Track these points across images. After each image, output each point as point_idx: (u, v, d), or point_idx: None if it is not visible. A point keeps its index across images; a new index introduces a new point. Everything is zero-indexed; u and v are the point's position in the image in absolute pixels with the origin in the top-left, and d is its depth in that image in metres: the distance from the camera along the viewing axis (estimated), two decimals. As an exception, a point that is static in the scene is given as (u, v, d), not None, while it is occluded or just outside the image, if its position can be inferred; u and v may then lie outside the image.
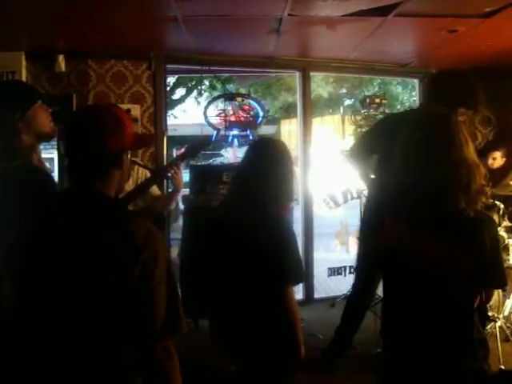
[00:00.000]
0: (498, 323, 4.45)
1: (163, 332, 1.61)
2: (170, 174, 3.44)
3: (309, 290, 6.22)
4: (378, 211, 2.29)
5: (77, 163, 1.72)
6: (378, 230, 2.18)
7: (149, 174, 3.78)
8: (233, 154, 9.24)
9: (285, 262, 2.41)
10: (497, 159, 5.31)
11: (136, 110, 5.49)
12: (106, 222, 1.62)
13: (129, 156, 1.82)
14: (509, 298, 4.77)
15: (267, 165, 2.56)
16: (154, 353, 1.60)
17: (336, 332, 4.40)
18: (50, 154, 6.32)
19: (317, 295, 6.33)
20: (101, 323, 1.57)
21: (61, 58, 5.19)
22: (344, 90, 14.44)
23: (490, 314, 4.35)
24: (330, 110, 14.63)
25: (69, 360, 1.59)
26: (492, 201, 4.79)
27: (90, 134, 1.68)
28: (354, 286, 4.49)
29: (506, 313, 4.75)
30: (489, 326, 4.35)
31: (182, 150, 5.03)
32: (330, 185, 4.52)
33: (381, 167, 3.84)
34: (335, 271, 6.48)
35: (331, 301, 6.02)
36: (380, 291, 4.03)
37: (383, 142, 3.75)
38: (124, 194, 2.69)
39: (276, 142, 2.82)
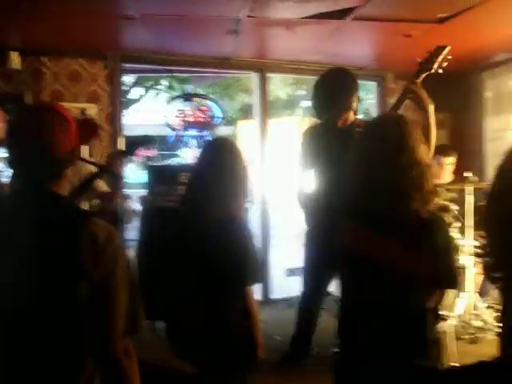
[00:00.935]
0: (451, 322, 4.54)
1: (124, 332, 1.60)
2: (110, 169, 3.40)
3: (266, 290, 6.24)
4: (333, 214, 2.32)
5: (29, 167, 1.68)
6: (335, 233, 2.20)
7: (93, 170, 3.73)
8: (191, 155, 9.20)
9: (243, 261, 2.41)
10: (449, 166, 5.38)
11: (93, 110, 5.41)
12: (67, 223, 1.60)
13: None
14: (460, 297, 4.88)
15: (222, 164, 2.57)
16: (114, 353, 1.59)
17: (295, 335, 4.42)
18: (2, 154, 6.17)
19: (274, 296, 6.34)
20: (62, 326, 1.55)
21: (15, 55, 5.08)
22: (303, 92, 14.53)
23: (443, 312, 4.44)
24: (289, 111, 14.71)
25: (28, 362, 1.56)
26: (444, 202, 4.89)
27: (40, 136, 1.65)
28: (305, 288, 4.49)
29: (459, 312, 4.86)
30: (442, 325, 4.44)
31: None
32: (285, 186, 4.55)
33: (325, 171, 4.01)
34: (293, 272, 6.50)
35: (289, 301, 6.04)
36: (337, 292, 4.07)
37: (322, 150, 3.95)
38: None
39: (228, 141, 2.83)
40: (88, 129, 3.06)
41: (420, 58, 3.40)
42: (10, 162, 1.70)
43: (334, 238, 2.27)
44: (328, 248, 3.14)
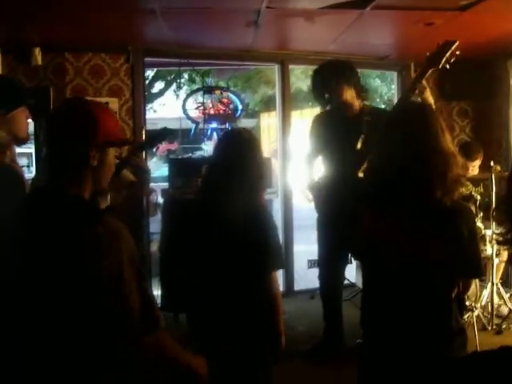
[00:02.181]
0: (476, 312, 4.51)
1: (143, 331, 1.60)
2: (132, 163, 3.41)
3: (289, 282, 6.24)
4: (357, 203, 2.31)
5: (48, 161, 1.71)
6: (359, 221, 2.20)
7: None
8: (212, 147, 9.21)
9: (266, 247, 2.43)
10: (475, 167, 5.30)
11: (114, 104, 5.44)
12: (71, 223, 1.60)
13: (109, 155, 1.79)
14: (486, 287, 4.84)
15: (242, 154, 2.57)
16: (141, 353, 1.61)
17: (326, 326, 4.43)
18: (28, 149, 6.25)
19: (297, 287, 6.34)
20: (71, 327, 1.55)
21: (37, 51, 5.12)
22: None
23: (467, 303, 4.41)
24: (310, 104, 14.64)
25: (36, 364, 1.57)
26: (469, 192, 4.84)
27: (56, 131, 1.69)
28: (321, 274, 4.50)
29: (484, 302, 4.82)
30: (466, 316, 4.41)
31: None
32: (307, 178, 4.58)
33: (333, 158, 4.13)
34: (315, 263, 6.49)
35: (311, 293, 6.04)
36: (360, 282, 4.07)
37: (329, 137, 4.08)
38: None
39: (245, 132, 2.83)
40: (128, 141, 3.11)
41: (428, 52, 3.38)
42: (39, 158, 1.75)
43: (345, 225, 2.27)
44: (339, 234, 3.16)
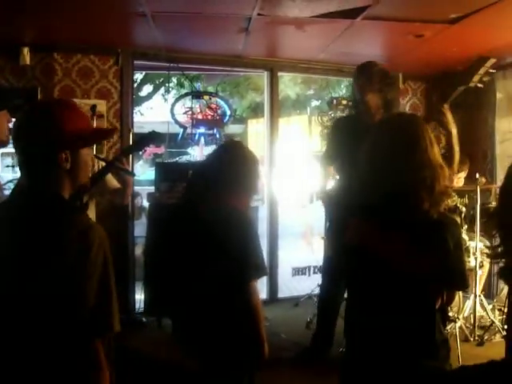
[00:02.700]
0: (458, 323, 4.54)
1: (92, 330, 1.59)
2: (119, 165, 3.40)
3: (273, 289, 6.23)
4: (344, 212, 2.31)
5: (20, 161, 1.73)
6: (344, 231, 2.20)
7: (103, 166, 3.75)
8: (199, 153, 9.20)
9: (246, 256, 2.41)
10: (461, 179, 5.34)
11: (102, 106, 5.42)
12: (38, 221, 1.62)
13: (81, 153, 1.77)
14: (469, 299, 4.87)
15: (228, 161, 2.58)
16: (87, 354, 1.59)
17: (316, 331, 4.43)
18: (13, 149, 6.20)
19: (281, 295, 6.34)
20: (28, 321, 1.57)
21: (26, 50, 5.09)
22: (311, 91, 14.52)
23: (450, 314, 4.43)
24: (298, 111, 14.70)
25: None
26: (454, 204, 4.88)
27: (23, 133, 1.71)
28: (324, 286, 4.51)
29: (466, 313, 4.85)
30: (449, 327, 4.44)
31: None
32: (295, 185, 4.57)
33: (345, 169, 3.95)
34: (299, 271, 6.51)
35: (295, 300, 6.05)
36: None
37: (344, 145, 3.92)
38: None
39: (238, 143, 2.85)
40: (101, 134, 3.04)
41: (460, 67, 3.21)
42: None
43: (343, 237, 2.27)
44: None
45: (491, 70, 3.05)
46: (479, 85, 3.07)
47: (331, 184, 4.43)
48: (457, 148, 3.15)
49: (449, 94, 3.15)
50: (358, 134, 3.90)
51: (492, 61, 3.04)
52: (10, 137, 1.81)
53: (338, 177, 4.25)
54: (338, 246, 3.91)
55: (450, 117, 3.16)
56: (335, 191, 4.22)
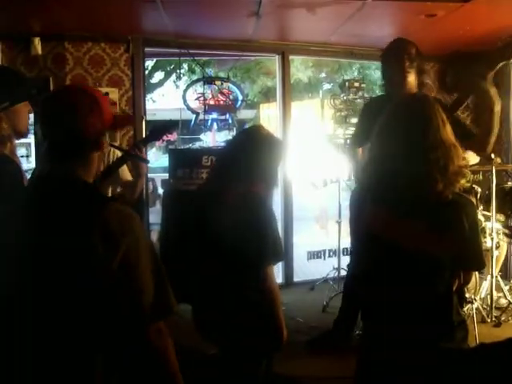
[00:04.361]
0: (475, 305, 4.52)
1: (154, 315, 1.60)
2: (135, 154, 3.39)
3: (288, 273, 6.26)
4: (361, 197, 2.30)
5: (55, 146, 1.69)
6: (361, 216, 2.20)
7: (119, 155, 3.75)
8: (212, 138, 9.19)
9: (263, 242, 2.41)
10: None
11: (114, 94, 5.43)
12: (80, 209, 1.58)
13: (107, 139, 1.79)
14: (485, 279, 4.85)
15: (249, 146, 2.57)
16: (146, 336, 1.59)
17: (340, 315, 4.43)
18: (27, 139, 6.23)
19: (296, 279, 6.36)
20: (82, 313, 1.55)
21: (37, 40, 5.11)
22: (323, 75, 14.43)
23: (467, 295, 4.42)
24: (310, 94, 14.62)
25: (52, 353, 1.56)
26: (470, 184, 4.85)
27: (67, 116, 1.65)
28: (350, 268, 4.48)
29: (483, 294, 4.84)
30: (466, 308, 4.42)
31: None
32: (309, 169, 4.53)
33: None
34: (315, 255, 6.51)
35: (311, 284, 6.06)
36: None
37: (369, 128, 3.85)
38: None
39: (263, 130, 2.80)
40: (123, 120, 3.03)
41: (500, 42, 3.06)
42: (39, 145, 1.73)
43: (360, 221, 2.26)
44: None
45: None
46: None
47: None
48: (496, 129, 3.04)
49: (487, 71, 3.03)
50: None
51: None
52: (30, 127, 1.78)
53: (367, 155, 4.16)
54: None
55: (494, 91, 3.02)
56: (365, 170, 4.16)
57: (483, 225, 4.76)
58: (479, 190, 4.86)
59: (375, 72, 13.48)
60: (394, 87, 3.68)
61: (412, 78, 3.63)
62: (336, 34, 5.45)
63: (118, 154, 3.63)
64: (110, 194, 3.74)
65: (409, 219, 2.05)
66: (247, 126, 3.64)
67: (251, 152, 2.53)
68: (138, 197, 3.98)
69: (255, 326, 2.45)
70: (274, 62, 6.40)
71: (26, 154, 5.66)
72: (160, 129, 3.50)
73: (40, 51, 5.16)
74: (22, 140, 3.29)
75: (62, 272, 1.53)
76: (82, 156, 1.69)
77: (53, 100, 1.75)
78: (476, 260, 2.16)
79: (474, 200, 4.70)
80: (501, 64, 2.99)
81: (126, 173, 3.75)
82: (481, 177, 5.12)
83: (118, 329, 1.58)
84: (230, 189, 2.49)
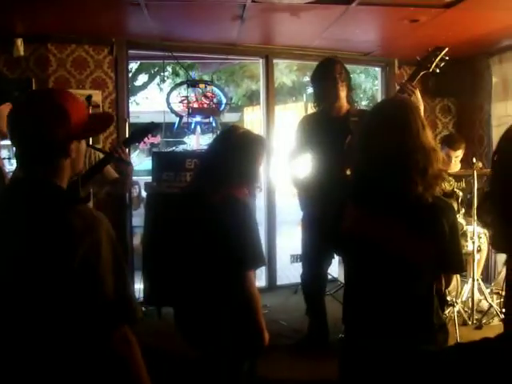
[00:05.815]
0: (457, 308, 4.55)
1: (116, 321, 1.59)
2: (117, 156, 3.39)
3: (271, 276, 6.26)
4: (328, 199, 2.34)
5: (22, 152, 1.70)
6: (341, 217, 2.20)
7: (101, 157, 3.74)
8: (196, 141, 9.19)
9: (243, 246, 2.41)
10: (458, 158, 5.33)
11: (97, 96, 5.40)
12: (42, 211, 1.59)
13: (82, 143, 1.77)
14: (467, 283, 4.89)
15: (225, 148, 2.56)
16: (110, 343, 1.58)
17: (310, 320, 4.44)
18: (9, 142, 6.18)
19: (279, 282, 6.36)
20: (43, 316, 1.54)
21: (19, 41, 5.06)
22: (307, 78, 14.48)
23: (448, 298, 4.45)
24: (294, 98, 14.66)
25: (14, 357, 1.56)
26: (451, 188, 4.89)
27: (31, 125, 1.65)
28: (304, 272, 4.51)
29: (464, 297, 4.87)
30: (447, 311, 4.46)
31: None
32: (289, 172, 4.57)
33: (319, 158, 4.17)
34: (298, 258, 6.51)
35: (294, 287, 6.06)
36: (342, 277, 4.09)
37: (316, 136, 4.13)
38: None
39: (242, 129, 2.81)
40: (101, 122, 3.00)
41: (419, 57, 3.55)
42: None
43: (331, 222, 2.27)
44: (323, 232, 3.16)
45: (446, 58, 3.46)
46: (437, 70, 3.50)
47: (303, 174, 4.48)
48: None
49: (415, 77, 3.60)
50: (329, 125, 4.08)
51: (446, 49, 3.44)
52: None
53: (312, 166, 4.32)
54: (320, 234, 3.95)
55: (418, 94, 3.56)
56: (311, 180, 4.27)
57: (465, 228, 4.80)
58: (460, 193, 4.91)
59: (359, 76, 13.58)
60: (328, 103, 4.13)
61: (344, 94, 4.09)
62: (320, 38, 5.47)
63: (101, 155, 3.63)
64: (92, 195, 3.73)
65: (389, 221, 2.07)
66: (225, 128, 3.68)
67: (228, 154, 2.53)
68: (122, 199, 3.98)
69: (236, 330, 2.45)
70: (258, 65, 6.41)
71: (8, 156, 5.61)
72: (142, 131, 3.50)
73: (22, 52, 5.12)
74: (4, 142, 3.27)
75: (23, 272, 1.54)
76: (50, 162, 1.68)
77: (18, 108, 1.75)
78: (456, 263, 2.18)
79: (455, 204, 4.74)
80: (420, 75, 3.54)
81: (111, 171, 3.74)
82: (464, 184, 5.17)
83: (79, 331, 1.57)
84: (211, 192, 2.49)
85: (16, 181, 1.75)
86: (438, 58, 3.47)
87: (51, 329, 1.55)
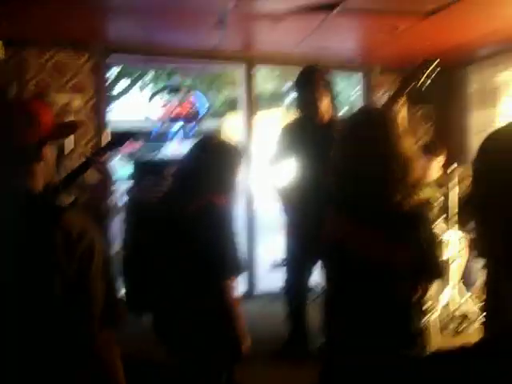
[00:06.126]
0: (436, 314, 4.58)
1: (103, 324, 1.60)
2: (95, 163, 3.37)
3: (251, 284, 6.24)
4: (311, 207, 2.33)
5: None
6: (322, 226, 2.20)
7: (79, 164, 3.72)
8: (176, 147, 9.16)
9: (221, 255, 2.40)
10: (440, 163, 5.38)
11: (77, 101, 5.36)
12: (39, 219, 1.59)
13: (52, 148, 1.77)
14: (446, 289, 4.92)
15: (207, 158, 2.56)
16: (94, 346, 1.59)
17: (290, 327, 4.43)
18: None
19: (259, 289, 6.34)
20: (37, 319, 1.54)
21: (-1, 44, 5.02)
22: (289, 85, 14.52)
23: (428, 304, 4.47)
24: (275, 105, 14.69)
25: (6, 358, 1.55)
26: (427, 196, 4.92)
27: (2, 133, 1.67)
28: (287, 280, 4.52)
29: (443, 304, 4.90)
30: (426, 317, 4.47)
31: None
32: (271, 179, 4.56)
33: (304, 165, 4.17)
34: (277, 265, 6.50)
35: (274, 295, 6.04)
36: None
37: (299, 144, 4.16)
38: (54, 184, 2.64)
39: (219, 138, 2.82)
40: (67, 127, 2.96)
41: (403, 75, 3.34)
42: None
43: (314, 230, 2.27)
44: (306, 240, 3.15)
45: (438, 69, 3.26)
46: (427, 83, 3.28)
47: (286, 181, 4.49)
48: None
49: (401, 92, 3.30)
50: (312, 133, 4.09)
51: (437, 61, 3.25)
52: None
53: (295, 173, 4.34)
54: (302, 241, 3.96)
55: (404, 112, 3.28)
56: (294, 187, 4.27)
57: (444, 234, 4.83)
58: (442, 198, 4.94)
59: (340, 82, 13.66)
60: (310, 110, 4.12)
61: (326, 101, 4.08)
62: (301, 45, 5.48)
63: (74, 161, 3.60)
64: (73, 199, 3.69)
65: (367, 230, 2.07)
66: (201, 136, 3.68)
67: (205, 163, 2.53)
68: (99, 206, 3.92)
69: (215, 338, 2.44)
70: (239, 72, 6.40)
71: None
72: (121, 137, 3.47)
73: (2, 56, 5.06)
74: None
75: (22, 279, 1.54)
76: (23, 167, 1.68)
77: None
78: (434, 270, 2.19)
79: (435, 210, 4.76)
80: (409, 88, 3.30)
81: (91, 176, 3.71)
82: (447, 190, 5.21)
83: (66, 333, 1.57)
84: (188, 200, 2.48)
85: None
86: (429, 71, 3.27)
87: (39, 330, 1.55)
